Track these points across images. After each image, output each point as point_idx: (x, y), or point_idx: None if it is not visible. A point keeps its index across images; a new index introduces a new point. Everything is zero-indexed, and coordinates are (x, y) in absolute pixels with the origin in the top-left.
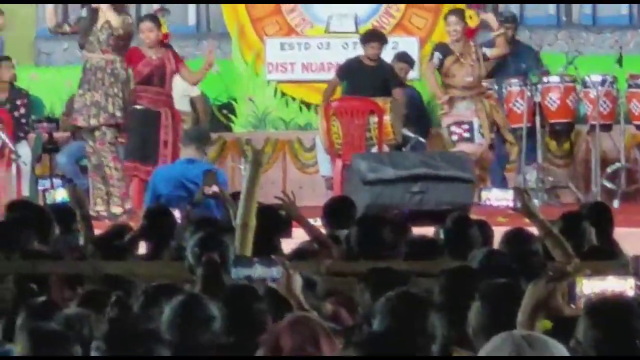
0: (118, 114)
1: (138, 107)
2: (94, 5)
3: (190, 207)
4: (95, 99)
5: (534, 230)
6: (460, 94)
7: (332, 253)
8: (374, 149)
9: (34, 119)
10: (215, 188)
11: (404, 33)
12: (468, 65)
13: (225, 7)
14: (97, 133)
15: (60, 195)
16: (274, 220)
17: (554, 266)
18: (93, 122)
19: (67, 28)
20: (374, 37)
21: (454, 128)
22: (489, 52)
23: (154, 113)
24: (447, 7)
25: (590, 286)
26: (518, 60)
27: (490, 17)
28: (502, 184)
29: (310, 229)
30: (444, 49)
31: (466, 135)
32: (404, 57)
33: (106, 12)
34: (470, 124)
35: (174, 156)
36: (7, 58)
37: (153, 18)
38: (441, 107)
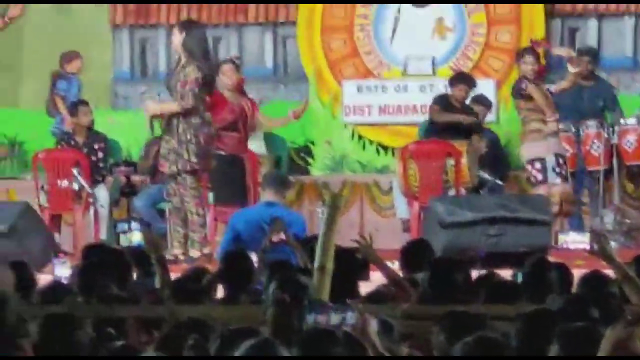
0: (193, 159)
1: (223, 152)
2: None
3: (262, 252)
4: (172, 145)
5: (611, 273)
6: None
7: (409, 296)
8: (451, 192)
9: (111, 163)
10: (282, 235)
11: (481, 75)
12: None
13: (302, 50)
14: (178, 178)
15: (137, 238)
16: (352, 264)
17: (631, 309)
18: (172, 168)
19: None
20: (463, 80)
21: (529, 167)
22: (553, 87)
23: (238, 159)
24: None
25: None
26: (595, 97)
27: (571, 53)
28: (579, 225)
29: (387, 272)
30: (533, 83)
31: (539, 176)
32: (481, 100)
33: (182, 58)
34: (564, 158)
35: (257, 201)
36: (85, 102)
37: (233, 62)
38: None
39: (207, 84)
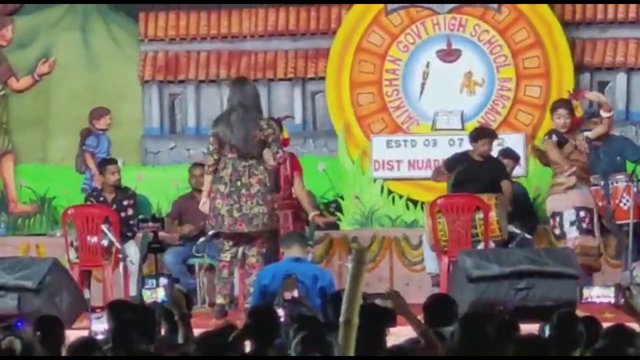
0: None
1: None
2: None
3: (289, 305)
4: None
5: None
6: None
7: (438, 350)
8: (480, 246)
9: (139, 218)
10: (295, 293)
11: (510, 129)
12: (585, 153)
13: (331, 105)
14: None
15: (162, 294)
16: (380, 316)
17: None
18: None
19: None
20: (486, 134)
21: (582, 213)
22: (591, 133)
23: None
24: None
25: None
26: (611, 151)
27: (602, 99)
28: None
29: (417, 324)
30: (560, 136)
31: (588, 227)
32: (508, 153)
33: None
34: (588, 211)
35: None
36: (113, 161)
37: (277, 120)
38: (562, 181)
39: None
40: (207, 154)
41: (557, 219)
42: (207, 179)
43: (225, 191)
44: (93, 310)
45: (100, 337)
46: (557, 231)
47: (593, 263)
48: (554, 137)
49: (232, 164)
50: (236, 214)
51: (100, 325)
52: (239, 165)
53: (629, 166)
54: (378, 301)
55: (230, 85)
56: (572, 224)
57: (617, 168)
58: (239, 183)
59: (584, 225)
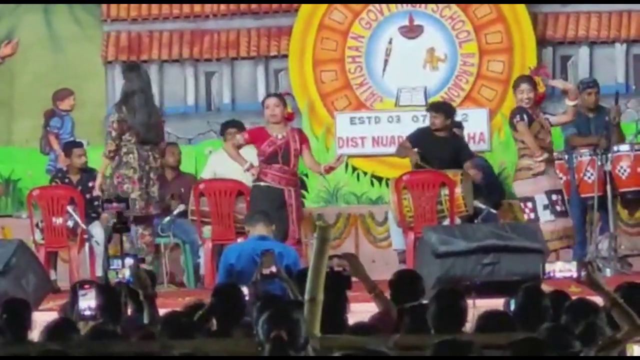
0: None
1: (262, 183)
2: None
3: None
4: None
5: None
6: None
7: (392, 314)
8: (446, 221)
9: (104, 199)
10: (273, 268)
11: (474, 105)
12: (548, 131)
13: (294, 83)
14: None
15: (128, 274)
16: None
17: (606, 335)
18: None
19: None
20: (431, 108)
21: (522, 205)
22: (554, 119)
23: (277, 190)
24: (515, 77)
25: None
26: (601, 128)
27: (567, 86)
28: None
29: (371, 286)
30: (527, 115)
31: (532, 215)
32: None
33: None
34: (559, 192)
35: (299, 233)
36: (79, 144)
37: (278, 95)
38: (530, 166)
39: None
40: (108, 140)
41: (529, 204)
42: (106, 162)
43: (135, 176)
44: (81, 287)
45: (88, 313)
46: (532, 216)
47: (570, 243)
48: (525, 118)
49: (137, 149)
50: (145, 197)
51: (86, 302)
52: (142, 149)
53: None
54: (334, 260)
55: (126, 71)
56: (545, 207)
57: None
58: (147, 167)
59: (558, 208)
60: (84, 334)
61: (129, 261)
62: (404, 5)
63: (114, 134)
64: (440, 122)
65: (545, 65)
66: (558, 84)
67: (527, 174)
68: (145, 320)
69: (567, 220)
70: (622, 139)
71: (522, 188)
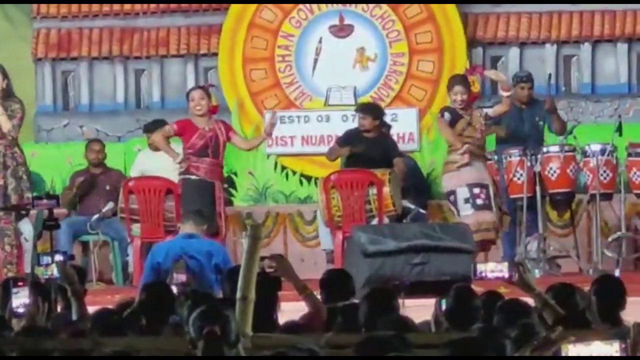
0: None
1: (193, 177)
2: None
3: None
4: None
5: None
6: (477, 153)
7: (322, 313)
8: (374, 221)
9: (35, 196)
10: (183, 278)
11: (403, 104)
12: (479, 129)
13: (224, 81)
14: None
15: (56, 271)
16: (266, 281)
17: (540, 335)
18: None
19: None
20: (358, 109)
21: (475, 190)
22: (491, 111)
23: (209, 184)
24: (445, 77)
25: (575, 352)
26: (535, 119)
27: (501, 77)
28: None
29: (301, 287)
30: (453, 113)
31: (485, 202)
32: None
33: None
34: (487, 187)
35: (227, 228)
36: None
37: (203, 88)
38: (455, 159)
39: None
40: None
41: (452, 197)
42: None
43: None
44: (14, 284)
45: (21, 310)
46: (453, 209)
47: (491, 236)
48: (446, 115)
49: None
50: None
51: (19, 300)
52: None
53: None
54: (265, 262)
55: None
56: (465, 201)
57: (540, 132)
58: None
59: (479, 202)
60: (17, 332)
61: (58, 258)
62: (335, 4)
63: None
64: (368, 123)
65: (479, 65)
66: (491, 74)
67: (452, 167)
68: (74, 317)
69: (489, 213)
70: (563, 126)
71: (447, 182)
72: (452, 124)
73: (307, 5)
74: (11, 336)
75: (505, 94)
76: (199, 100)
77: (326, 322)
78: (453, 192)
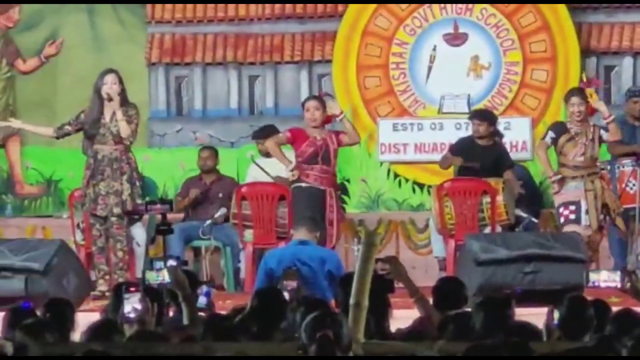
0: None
1: (303, 184)
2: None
3: (297, 288)
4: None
5: None
6: (571, 174)
7: (433, 319)
8: (487, 230)
9: (147, 201)
10: (293, 284)
11: (517, 113)
12: (581, 144)
13: (338, 88)
14: (113, 219)
15: (168, 276)
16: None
17: None
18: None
19: (68, 128)
20: (474, 115)
21: (562, 209)
22: (605, 135)
23: (319, 191)
24: (559, 86)
25: None
26: None
27: (600, 106)
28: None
29: (413, 290)
30: (558, 128)
31: (572, 217)
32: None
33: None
34: (578, 204)
35: (339, 235)
36: None
37: (318, 98)
38: (552, 186)
39: None
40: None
41: (572, 207)
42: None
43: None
44: (126, 290)
45: (132, 315)
46: (573, 216)
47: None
48: (548, 137)
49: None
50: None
51: (131, 305)
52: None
53: None
54: (378, 264)
55: None
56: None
57: None
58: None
59: (566, 218)
60: (129, 336)
61: (171, 263)
62: (449, 12)
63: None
64: (484, 129)
65: (596, 77)
66: (601, 106)
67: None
68: (185, 322)
69: (577, 227)
70: None
71: (563, 195)
72: (555, 140)
73: (422, 12)
74: (123, 341)
75: (607, 137)
76: (314, 110)
77: (438, 330)
78: (576, 203)
